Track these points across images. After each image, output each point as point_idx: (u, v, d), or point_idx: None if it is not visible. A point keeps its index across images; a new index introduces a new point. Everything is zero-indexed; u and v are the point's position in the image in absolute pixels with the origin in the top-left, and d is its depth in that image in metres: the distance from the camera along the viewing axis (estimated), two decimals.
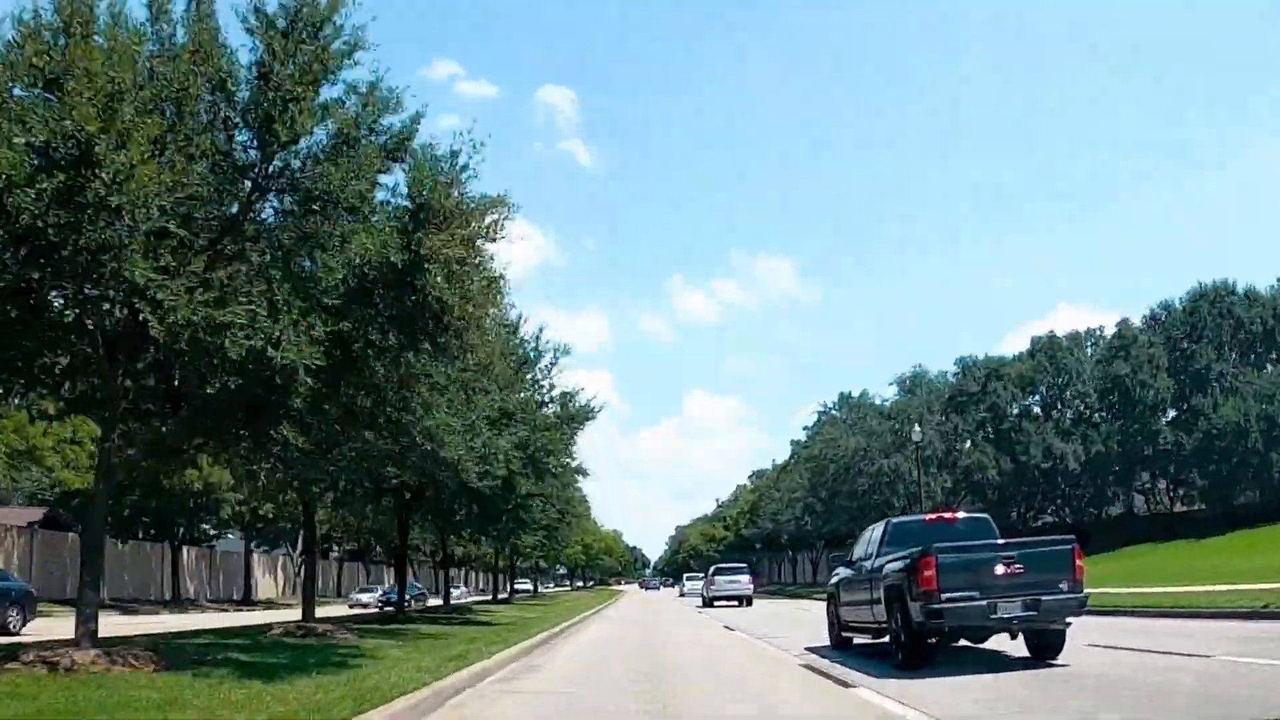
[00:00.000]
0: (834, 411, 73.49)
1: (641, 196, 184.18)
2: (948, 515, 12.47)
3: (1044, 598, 9.86)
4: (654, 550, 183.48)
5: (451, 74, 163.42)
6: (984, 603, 9.80)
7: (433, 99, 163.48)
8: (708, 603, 38.30)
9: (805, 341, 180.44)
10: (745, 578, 38.20)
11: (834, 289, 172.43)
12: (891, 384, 68.39)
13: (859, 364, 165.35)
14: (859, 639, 13.48)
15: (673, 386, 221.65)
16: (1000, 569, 9.96)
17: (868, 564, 12.19)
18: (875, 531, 12.56)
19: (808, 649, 14.07)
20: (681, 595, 57.60)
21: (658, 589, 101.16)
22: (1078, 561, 10.22)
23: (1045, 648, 10.67)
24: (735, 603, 37.46)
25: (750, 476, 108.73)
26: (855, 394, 72.90)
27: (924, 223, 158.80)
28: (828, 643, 14.39)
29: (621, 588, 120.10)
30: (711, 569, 40.01)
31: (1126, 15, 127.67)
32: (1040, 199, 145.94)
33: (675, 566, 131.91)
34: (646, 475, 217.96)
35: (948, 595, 9.80)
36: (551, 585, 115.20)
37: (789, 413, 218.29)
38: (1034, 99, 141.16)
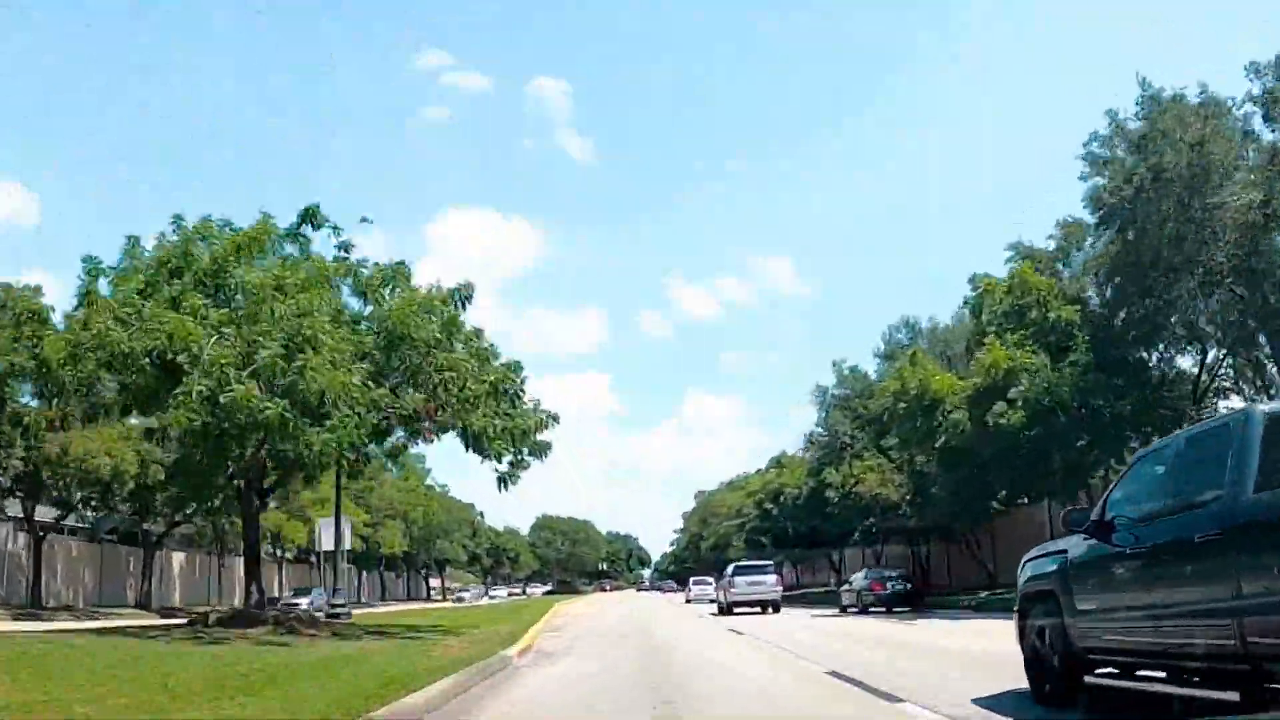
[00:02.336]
0: None
1: (639, 191, 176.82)
2: None
3: None
4: (655, 551, 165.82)
5: (441, 64, 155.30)
6: None
7: (421, 91, 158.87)
8: (725, 610, 31.64)
9: (804, 339, 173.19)
10: (772, 578, 31.66)
11: (833, 285, 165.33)
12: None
13: (859, 362, 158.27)
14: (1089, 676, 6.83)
15: (672, 386, 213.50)
16: None
17: (1206, 511, 5.43)
18: (1216, 437, 5.76)
19: (979, 703, 7.43)
20: (688, 601, 50.93)
21: (673, 590, 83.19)
22: None
23: None
24: (759, 609, 31.05)
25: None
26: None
27: (923, 216, 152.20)
28: (1010, 686, 7.81)
29: (599, 595, 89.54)
30: (730, 568, 33.06)
31: None
32: (1040, 197, 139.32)
33: (692, 562, 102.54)
34: (644, 477, 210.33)
35: None
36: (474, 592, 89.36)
37: (787, 412, 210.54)
38: (1031, 102, 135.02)
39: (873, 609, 28.52)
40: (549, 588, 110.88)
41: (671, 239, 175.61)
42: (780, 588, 32.30)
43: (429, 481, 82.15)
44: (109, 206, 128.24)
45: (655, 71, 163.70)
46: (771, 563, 35.21)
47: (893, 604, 28.20)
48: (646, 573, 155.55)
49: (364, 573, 72.30)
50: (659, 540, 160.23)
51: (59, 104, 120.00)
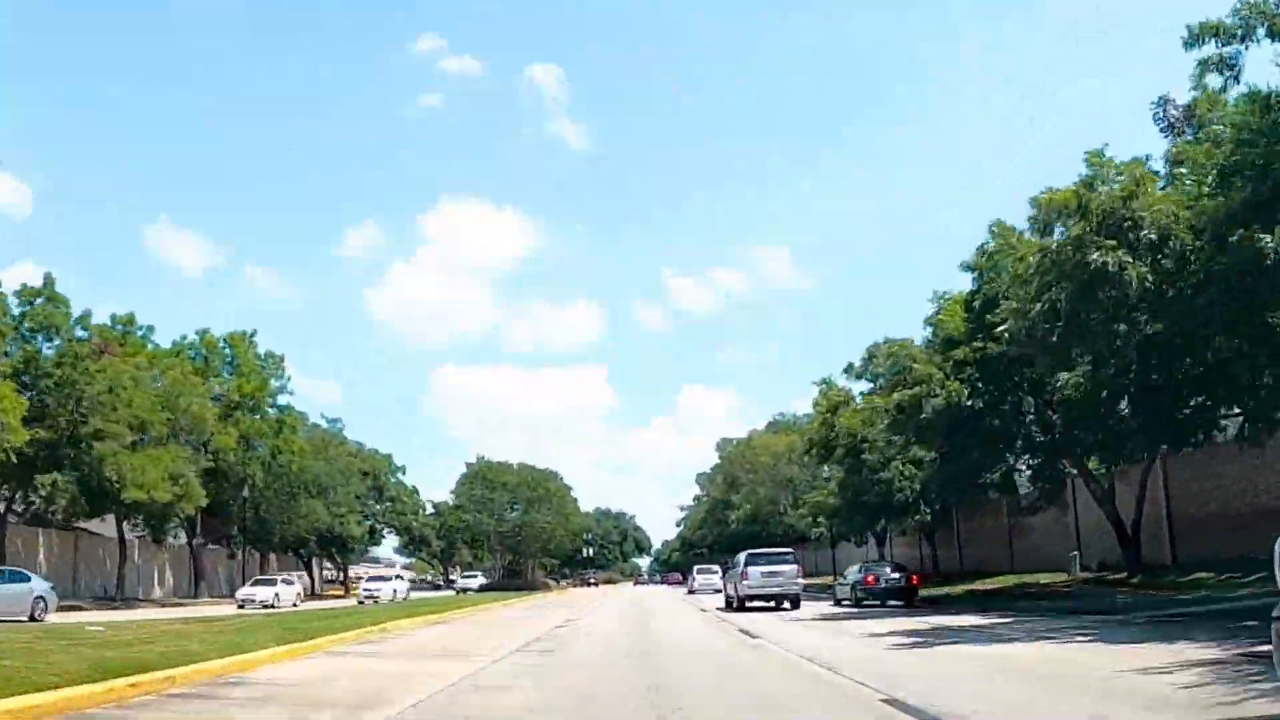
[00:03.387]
0: None
1: (636, 181, 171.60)
2: None
3: None
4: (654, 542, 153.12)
5: (435, 49, 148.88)
6: None
7: (414, 77, 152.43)
8: (736, 605, 28.35)
9: (802, 331, 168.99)
10: (792, 568, 28.47)
11: (831, 278, 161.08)
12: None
13: (857, 356, 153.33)
14: None
15: (669, 379, 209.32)
16: None
17: None
18: None
19: None
20: (691, 593, 47.81)
21: (678, 583, 74.51)
22: None
23: None
24: (773, 604, 27.92)
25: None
26: None
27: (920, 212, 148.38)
28: None
29: (580, 592, 74.06)
30: (742, 556, 29.49)
31: None
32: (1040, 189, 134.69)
33: (709, 545, 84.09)
34: (642, 471, 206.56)
35: None
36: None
37: (785, 407, 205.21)
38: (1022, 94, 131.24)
39: (866, 604, 28.16)
40: (482, 580, 74.11)
41: (668, 230, 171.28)
42: (801, 580, 29.06)
43: (289, 403, 51.41)
44: (101, 200, 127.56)
45: (653, 59, 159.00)
46: (790, 552, 31.85)
47: (886, 599, 28.04)
48: (645, 562, 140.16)
49: (140, 549, 42.12)
50: (657, 534, 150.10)
51: (48, 94, 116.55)
